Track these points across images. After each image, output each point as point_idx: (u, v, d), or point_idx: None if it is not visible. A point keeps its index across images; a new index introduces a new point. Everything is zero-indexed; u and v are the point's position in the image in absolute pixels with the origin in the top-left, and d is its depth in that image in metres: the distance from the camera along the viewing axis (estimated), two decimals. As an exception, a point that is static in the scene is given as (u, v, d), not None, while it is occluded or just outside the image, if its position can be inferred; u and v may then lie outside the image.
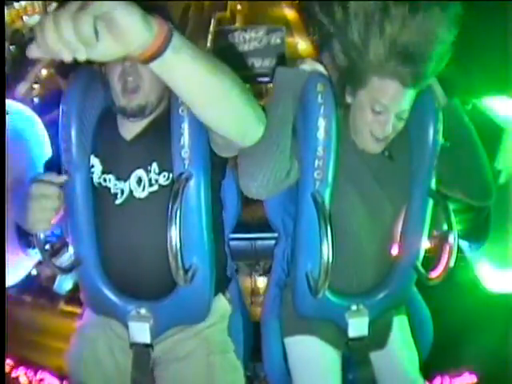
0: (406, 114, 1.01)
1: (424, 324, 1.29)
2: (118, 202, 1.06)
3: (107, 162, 1.07)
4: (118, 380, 1.11)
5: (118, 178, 1.06)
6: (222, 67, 0.72)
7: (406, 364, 1.17)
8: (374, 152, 1.07)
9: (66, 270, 1.08)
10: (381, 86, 0.96)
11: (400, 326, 1.22)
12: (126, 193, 1.05)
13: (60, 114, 1.06)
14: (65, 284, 1.43)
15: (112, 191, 1.06)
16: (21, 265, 1.50)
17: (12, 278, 1.45)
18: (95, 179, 1.08)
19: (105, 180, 1.07)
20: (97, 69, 1.05)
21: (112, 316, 1.12)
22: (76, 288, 1.20)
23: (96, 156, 1.08)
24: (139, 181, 1.05)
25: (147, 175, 1.04)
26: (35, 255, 1.49)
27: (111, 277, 1.10)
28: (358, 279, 1.14)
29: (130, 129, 1.07)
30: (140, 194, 1.05)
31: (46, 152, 1.50)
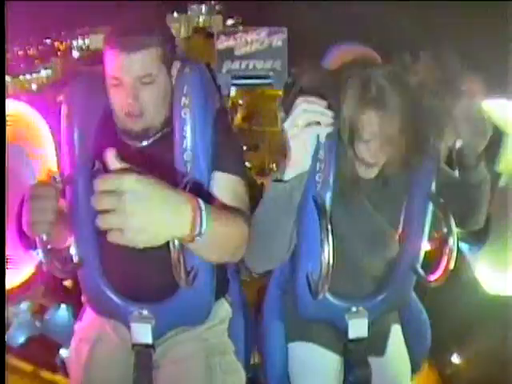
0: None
1: (421, 330, 1.30)
2: None
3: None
4: (120, 381, 1.12)
5: None
6: (234, 222, 0.89)
7: (398, 372, 1.19)
8: (368, 178, 1.06)
9: (69, 272, 1.09)
10: (363, 118, 0.95)
11: (394, 334, 1.23)
12: None
13: (62, 117, 1.06)
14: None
15: None
16: (22, 265, 1.50)
17: (12, 278, 1.45)
18: None
19: None
20: (98, 73, 1.06)
21: (114, 317, 1.13)
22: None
23: (97, 158, 1.08)
24: None
25: None
26: (37, 256, 1.49)
27: (113, 278, 1.10)
28: (358, 281, 1.14)
29: None
30: None
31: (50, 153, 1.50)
